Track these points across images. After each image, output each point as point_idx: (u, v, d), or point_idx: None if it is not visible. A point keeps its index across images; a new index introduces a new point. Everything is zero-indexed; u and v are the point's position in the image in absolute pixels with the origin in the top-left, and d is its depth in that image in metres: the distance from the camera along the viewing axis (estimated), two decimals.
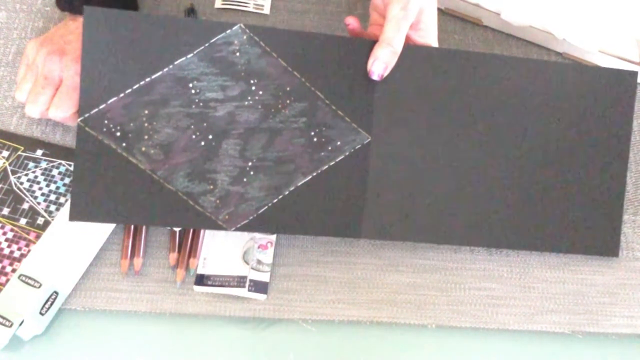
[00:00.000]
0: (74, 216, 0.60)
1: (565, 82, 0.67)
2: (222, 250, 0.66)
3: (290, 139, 0.63)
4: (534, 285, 0.67)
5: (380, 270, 0.67)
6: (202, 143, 0.61)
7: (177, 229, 0.66)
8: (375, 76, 0.62)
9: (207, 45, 0.61)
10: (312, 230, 0.63)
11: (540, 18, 0.79)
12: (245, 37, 0.62)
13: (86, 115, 0.60)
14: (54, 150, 0.69)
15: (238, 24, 0.62)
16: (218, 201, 0.62)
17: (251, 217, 0.62)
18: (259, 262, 0.65)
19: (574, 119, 0.67)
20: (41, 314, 0.60)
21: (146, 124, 0.61)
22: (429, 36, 0.65)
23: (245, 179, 0.62)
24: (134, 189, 0.60)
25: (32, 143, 0.70)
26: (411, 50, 0.64)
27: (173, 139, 0.61)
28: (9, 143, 0.70)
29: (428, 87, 0.64)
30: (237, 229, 0.62)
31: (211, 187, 0.61)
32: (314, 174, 0.63)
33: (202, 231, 0.66)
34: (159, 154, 0.61)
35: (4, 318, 0.59)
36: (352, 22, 0.66)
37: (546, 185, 0.67)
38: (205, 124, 0.61)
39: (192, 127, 0.61)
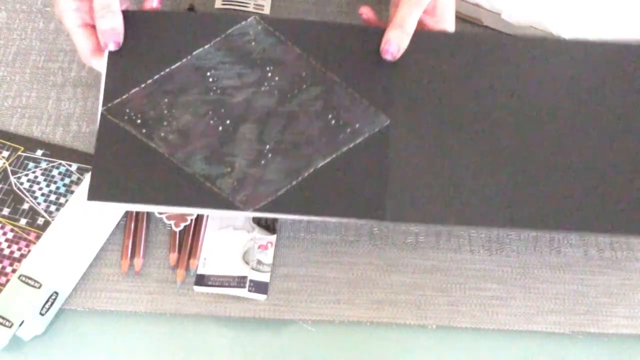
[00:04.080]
0: (93, 196, 0.60)
1: (590, 62, 0.66)
2: (222, 250, 0.66)
3: (308, 122, 0.63)
4: (534, 285, 0.67)
5: (380, 270, 0.67)
6: (220, 128, 0.62)
7: (177, 229, 0.66)
8: (388, 55, 0.63)
9: (223, 36, 0.64)
10: (334, 212, 0.62)
11: (541, 18, 0.79)
12: (260, 27, 0.64)
13: (109, 105, 0.62)
14: (54, 150, 0.69)
15: (252, 16, 0.64)
16: (235, 183, 0.61)
17: (269, 199, 0.62)
18: (259, 262, 0.65)
19: (597, 100, 0.65)
20: (41, 314, 0.60)
21: (165, 112, 0.62)
22: (445, 22, 0.66)
23: (263, 162, 0.62)
24: (152, 171, 0.61)
25: (32, 143, 0.70)
26: (427, 36, 0.64)
27: (191, 125, 0.62)
28: (9, 143, 0.70)
29: (446, 71, 0.65)
30: (255, 210, 0.61)
31: (229, 169, 0.62)
32: (333, 155, 0.63)
33: (202, 231, 0.66)
34: (178, 138, 0.62)
35: (4, 318, 0.59)
36: (365, 11, 0.67)
37: (566, 165, 0.64)
38: (222, 110, 0.63)
39: (210, 113, 0.62)
